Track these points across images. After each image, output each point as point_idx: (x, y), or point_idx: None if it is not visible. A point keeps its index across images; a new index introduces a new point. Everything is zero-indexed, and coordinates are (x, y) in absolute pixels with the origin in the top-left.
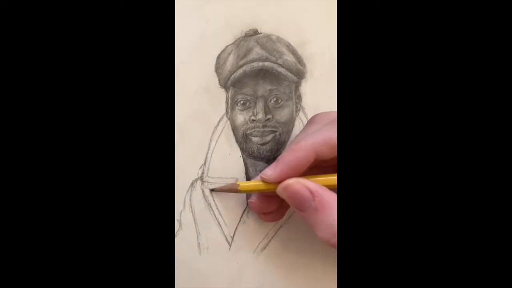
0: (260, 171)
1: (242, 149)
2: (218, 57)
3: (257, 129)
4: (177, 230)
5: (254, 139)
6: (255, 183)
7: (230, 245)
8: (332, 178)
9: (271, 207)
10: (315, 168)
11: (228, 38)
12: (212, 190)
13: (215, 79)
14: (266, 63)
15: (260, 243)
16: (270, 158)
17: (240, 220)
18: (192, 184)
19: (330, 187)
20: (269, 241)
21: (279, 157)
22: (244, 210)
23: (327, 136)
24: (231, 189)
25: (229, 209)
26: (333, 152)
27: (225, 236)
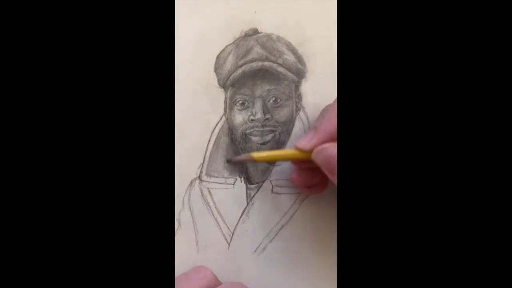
0: (261, 171)
1: (241, 149)
2: (218, 57)
3: (256, 129)
4: (176, 229)
5: (254, 138)
6: (270, 153)
7: (229, 244)
8: None
9: (314, 179)
10: None
11: (228, 38)
12: (228, 161)
13: (214, 79)
14: (266, 63)
15: (261, 243)
16: None
17: (239, 219)
18: (191, 183)
19: None
20: (270, 241)
21: (317, 126)
22: (244, 210)
23: None
24: (247, 159)
25: (228, 208)
26: None
27: (224, 235)
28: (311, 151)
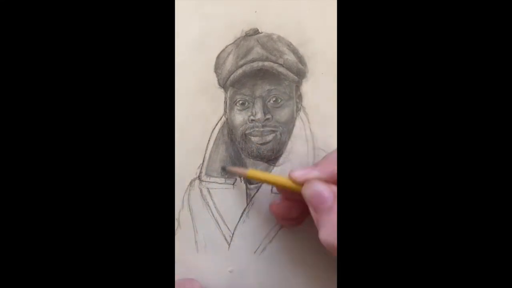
0: (261, 171)
1: (241, 149)
2: (218, 57)
3: (257, 129)
4: (176, 229)
5: (254, 139)
6: (264, 174)
7: (229, 245)
8: None
9: (293, 213)
10: None
11: (228, 38)
12: (223, 169)
13: (214, 79)
14: (266, 63)
15: (261, 244)
16: (270, 158)
17: (239, 220)
18: (190, 183)
19: None
20: (270, 241)
21: (318, 163)
22: (244, 210)
23: None
24: (240, 173)
25: (228, 208)
26: None
27: (224, 236)
28: (302, 183)
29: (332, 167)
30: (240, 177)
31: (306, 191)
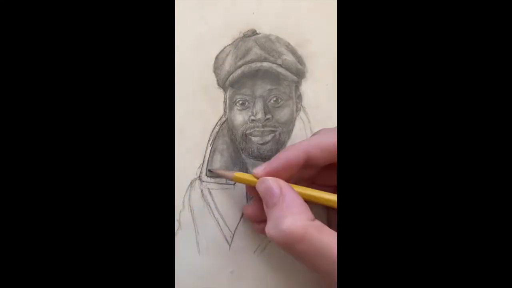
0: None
1: (241, 149)
2: (217, 58)
3: (257, 129)
4: (177, 230)
5: (254, 139)
6: (249, 176)
7: (230, 245)
8: (322, 195)
9: (264, 216)
10: (308, 169)
11: (226, 39)
12: (209, 171)
13: (213, 80)
14: (265, 64)
15: (260, 244)
16: (270, 158)
17: (240, 220)
18: (191, 183)
19: (320, 202)
20: (270, 241)
21: (272, 158)
22: None
23: (320, 139)
24: (226, 176)
25: (228, 209)
26: (324, 155)
27: (224, 236)
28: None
29: (281, 159)
30: (225, 178)
31: (259, 188)
